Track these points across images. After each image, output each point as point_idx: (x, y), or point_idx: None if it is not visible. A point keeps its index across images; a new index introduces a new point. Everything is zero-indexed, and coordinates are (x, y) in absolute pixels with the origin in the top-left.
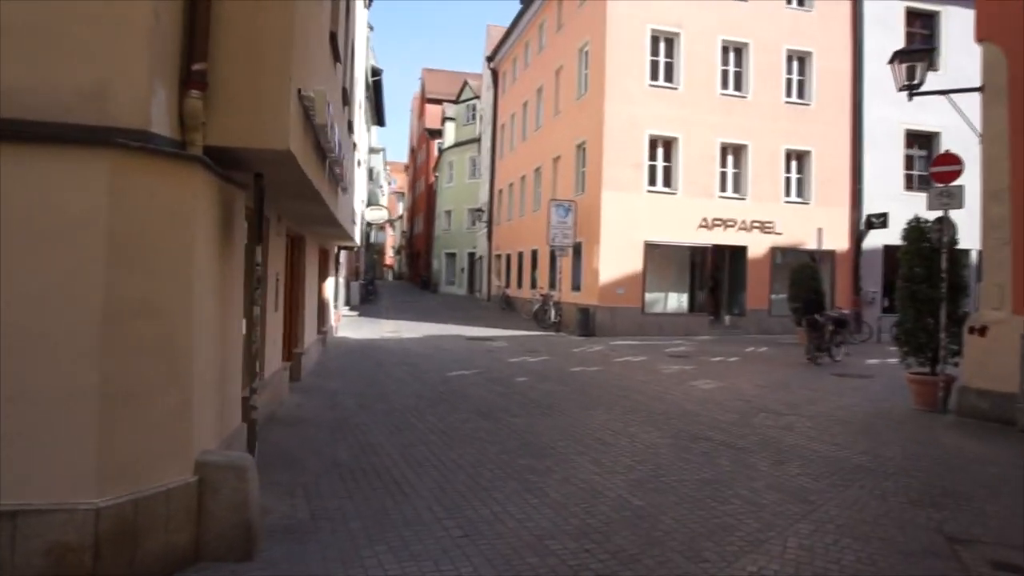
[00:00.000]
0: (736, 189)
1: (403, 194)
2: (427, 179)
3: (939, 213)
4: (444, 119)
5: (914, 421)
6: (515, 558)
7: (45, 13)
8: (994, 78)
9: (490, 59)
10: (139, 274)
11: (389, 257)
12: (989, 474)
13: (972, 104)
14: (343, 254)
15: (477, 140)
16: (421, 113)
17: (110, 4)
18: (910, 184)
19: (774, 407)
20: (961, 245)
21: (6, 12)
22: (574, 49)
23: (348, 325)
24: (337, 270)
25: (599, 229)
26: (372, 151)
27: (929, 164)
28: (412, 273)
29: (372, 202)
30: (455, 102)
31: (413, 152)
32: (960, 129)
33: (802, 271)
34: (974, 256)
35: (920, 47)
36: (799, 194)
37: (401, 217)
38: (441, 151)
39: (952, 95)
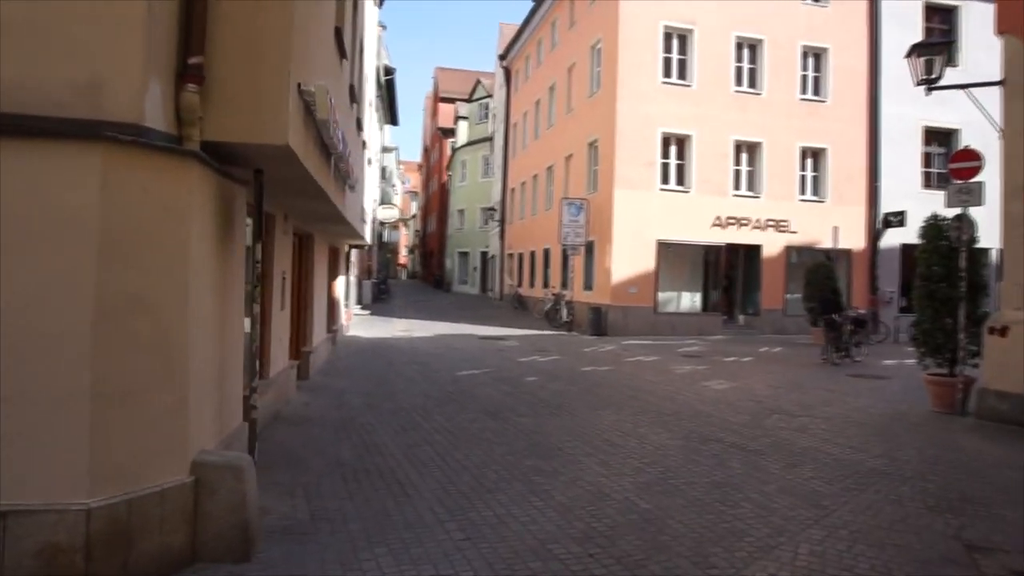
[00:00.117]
0: (750, 187)
1: (417, 193)
2: (440, 178)
3: (958, 210)
4: (457, 118)
5: (932, 423)
6: (517, 562)
7: (38, 7)
8: (1015, 72)
9: (502, 57)
10: (132, 270)
11: (403, 256)
12: (1010, 479)
13: (992, 99)
14: (354, 253)
15: (490, 139)
16: (434, 112)
17: None
18: (928, 182)
19: (787, 408)
20: (981, 243)
21: (1, 9)
22: (586, 47)
23: (359, 324)
24: (348, 269)
25: (611, 228)
26: (385, 150)
27: (948, 161)
28: (425, 272)
29: (384, 201)
30: (468, 101)
31: (426, 151)
32: (980, 125)
33: (817, 270)
34: (994, 255)
35: (938, 40)
36: (815, 192)
37: (415, 216)
38: (454, 150)
39: (971, 90)
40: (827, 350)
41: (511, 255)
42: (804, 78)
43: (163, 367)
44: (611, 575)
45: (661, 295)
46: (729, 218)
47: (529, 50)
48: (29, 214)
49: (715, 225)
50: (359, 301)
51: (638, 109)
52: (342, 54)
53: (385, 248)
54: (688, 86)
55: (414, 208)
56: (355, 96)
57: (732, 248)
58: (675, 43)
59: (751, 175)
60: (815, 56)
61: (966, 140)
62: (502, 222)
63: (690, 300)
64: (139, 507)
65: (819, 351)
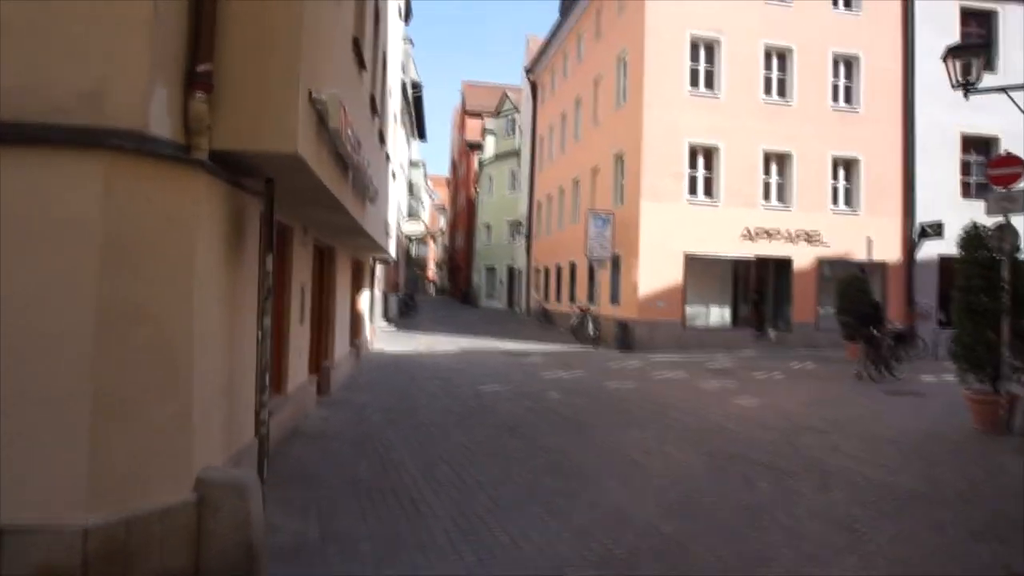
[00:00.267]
0: (780, 198)
1: (445, 208)
2: (468, 193)
3: (999, 219)
4: (484, 132)
5: (974, 443)
6: None
7: (42, 13)
8: None
9: (529, 71)
10: (135, 280)
11: (431, 271)
12: None
13: None
14: (380, 267)
15: (516, 153)
16: (462, 126)
17: (108, 3)
18: (967, 191)
19: (819, 426)
20: None
21: (2, 12)
22: (612, 58)
23: (385, 338)
24: (373, 283)
25: (638, 241)
26: (412, 165)
27: (987, 168)
28: (453, 287)
29: (412, 215)
30: (495, 115)
31: (454, 166)
32: (1020, 131)
33: (850, 283)
34: None
35: (975, 42)
36: (847, 203)
37: (443, 231)
38: (481, 164)
39: (1012, 91)
40: (865, 366)
41: (537, 269)
42: (835, 86)
43: (166, 379)
44: None
45: (689, 309)
46: (759, 230)
47: (555, 63)
48: (29, 222)
49: (744, 237)
50: (385, 315)
51: (665, 120)
52: (361, 65)
53: (413, 263)
54: (716, 96)
55: (442, 223)
56: (376, 108)
57: (762, 261)
58: (702, 52)
59: (781, 186)
60: (846, 64)
61: (1006, 147)
62: (528, 236)
63: (719, 314)
64: (139, 526)
65: (854, 367)
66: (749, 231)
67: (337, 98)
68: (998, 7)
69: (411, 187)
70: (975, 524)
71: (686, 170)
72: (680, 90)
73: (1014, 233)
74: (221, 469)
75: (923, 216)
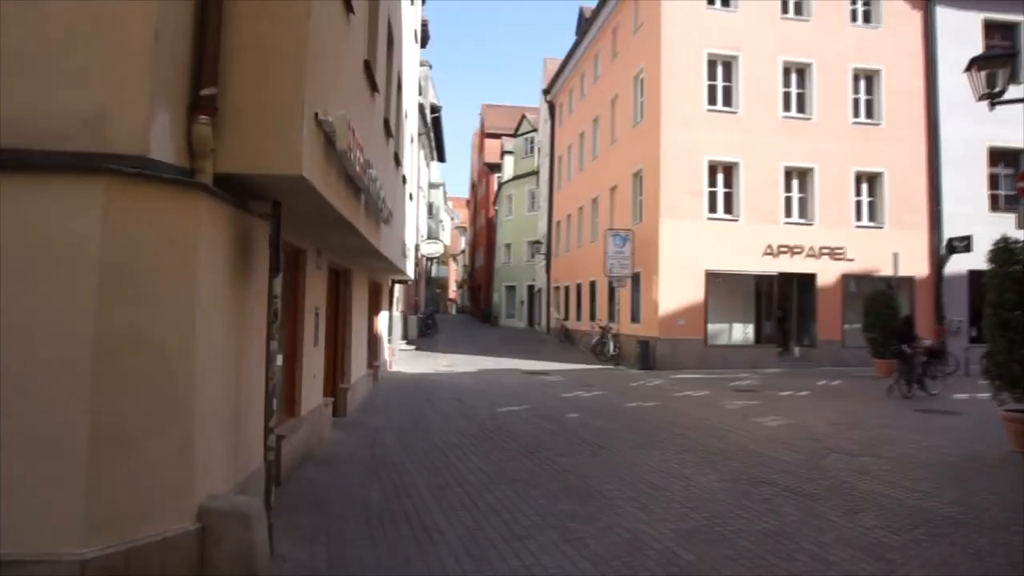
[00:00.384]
0: (802, 214)
1: (465, 228)
2: (487, 213)
3: None
4: (503, 153)
5: (1012, 465)
6: None
7: (41, 40)
8: None
9: (547, 92)
10: (136, 305)
11: (452, 292)
12: None
13: None
14: (399, 288)
15: (535, 173)
16: (481, 148)
17: (108, 29)
18: (996, 204)
19: (847, 447)
20: None
21: (2, 40)
22: (629, 77)
23: (404, 359)
24: (392, 304)
25: (658, 258)
26: (432, 186)
27: (1016, 179)
28: (473, 306)
29: (431, 236)
30: (513, 136)
31: (474, 187)
32: None
33: (876, 299)
34: None
35: (1000, 53)
36: (871, 218)
37: (463, 252)
38: (500, 185)
39: None
40: (897, 382)
41: (557, 288)
42: (856, 101)
43: (167, 406)
44: None
45: (711, 327)
46: (781, 246)
47: (573, 83)
48: (27, 248)
49: (766, 254)
50: (404, 336)
51: (683, 137)
52: (373, 87)
53: (433, 283)
54: (734, 113)
55: (463, 243)
56: (391, 130)
57: (785, 277)
58: (719, 70)
59: (803, 202)
60: (867, 78)
61: None
62: (548, 255)
63: (742, 332)
64: (139, 557)
65: (884, 384)
66: (771, 247)
67: (345, 119)
68: (1021, 18)
69: (431, 208)
70: (1016, 552)
71: (705, 187)
72: (698, 107)
73: None
74: (225, 497)
75: (950, 230)
